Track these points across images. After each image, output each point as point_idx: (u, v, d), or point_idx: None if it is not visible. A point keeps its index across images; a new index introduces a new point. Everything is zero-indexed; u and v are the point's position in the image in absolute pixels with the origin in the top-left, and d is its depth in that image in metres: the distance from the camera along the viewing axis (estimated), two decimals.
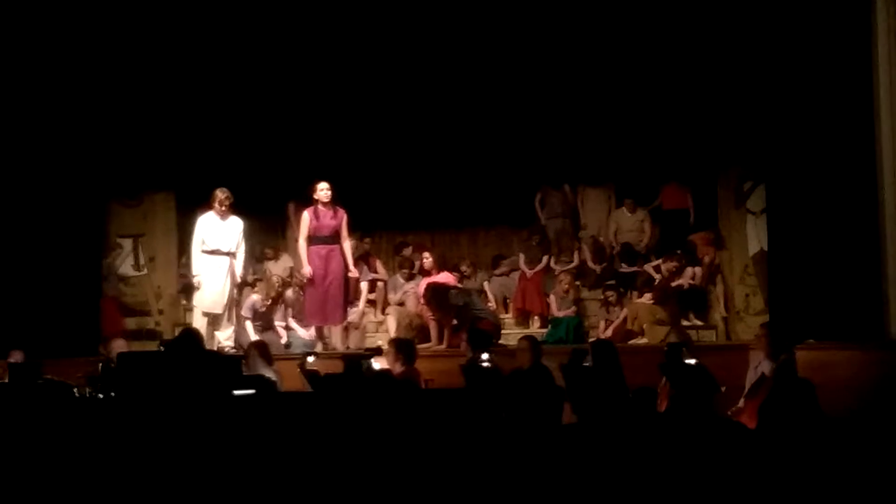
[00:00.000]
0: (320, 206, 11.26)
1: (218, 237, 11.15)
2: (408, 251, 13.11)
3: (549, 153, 13.03)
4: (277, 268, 12.68)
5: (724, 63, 11.48)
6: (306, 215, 11.30)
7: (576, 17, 11.89)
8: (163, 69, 12.10)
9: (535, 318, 12.51)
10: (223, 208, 11.13)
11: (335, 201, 11.31)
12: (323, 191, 11.26)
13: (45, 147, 11.33)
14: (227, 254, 11.15)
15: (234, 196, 11.28)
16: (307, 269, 11.23)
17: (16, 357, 9.52)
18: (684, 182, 13.04)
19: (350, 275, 11.44)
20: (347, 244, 11.41)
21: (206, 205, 11.24)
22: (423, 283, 11.95)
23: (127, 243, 13.01)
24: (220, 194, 11.13)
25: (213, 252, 11.11)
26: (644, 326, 11.67)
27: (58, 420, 6.11)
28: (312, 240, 11.27)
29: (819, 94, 9.94)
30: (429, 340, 11.59)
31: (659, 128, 12.59)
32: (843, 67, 9.78)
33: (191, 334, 8.61)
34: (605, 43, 12.05)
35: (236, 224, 11.25)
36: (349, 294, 11.61)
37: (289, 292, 12.03)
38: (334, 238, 11.28)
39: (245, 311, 11.69)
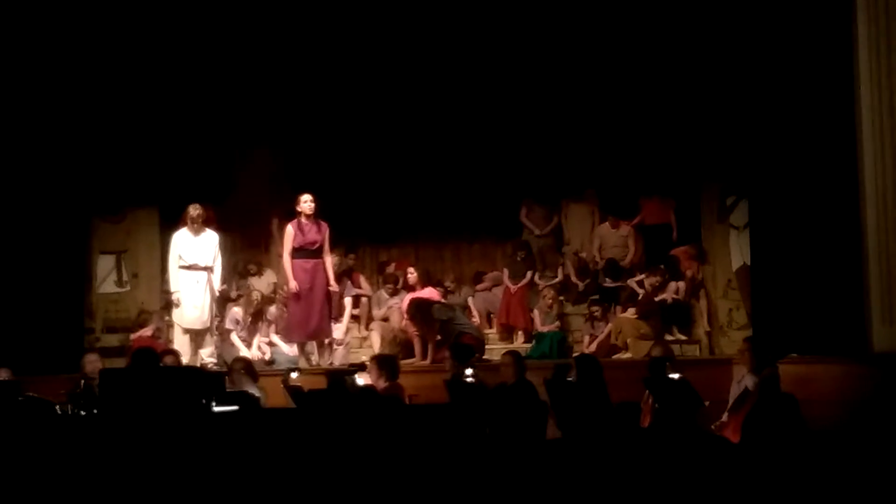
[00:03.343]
0: (304, 220, 11.19)
1: (194, 252, 11.12)
2: (391, 267, 13.11)
3: (533, 167, 13.07)
4: (261, 283, 12.64)
5: (706, 78, 11.52)
6: (290, 229, 11.21)
7: (560, 33, 11.93)
8: (145, 85, 12.08)
9: (520, 333, 12.51)
10: (196, 224, 11.11)
11: (317, 215, 11.28)
12: (307, 203, 11.17)
13: (27, 164, 11.28)
14: (205, 268, 11.12)
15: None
16: (293, 284, 11.16)
17: (2, 375, 9.45)
18: (667, 197, 13.08)
19: (331, 289, 11.38)
20: (329, 258, 11.37)
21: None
22: (407, 298, 11.93)
23: (110, 259, 12.95)
24: (193, 211, 11.11)
25: (190, 267, 11.08)
26: (628, 341, 11.68)
27: (38, 437, 6.08)
28: (297, 253, 11.19)
29: (801, 110, 9.96)
30: (413, 356, 11.57)
31: (641, 142, 12.62)
32: (825, 83, 9.80)
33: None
34: (588, 59, 12.09)
35: (211, 238, 11.23)
36: (333, 309, 11.59)
37: (272, 308, 12.00)
38: (318, 252, 11.24)
39: (229, 324, 11.66)
